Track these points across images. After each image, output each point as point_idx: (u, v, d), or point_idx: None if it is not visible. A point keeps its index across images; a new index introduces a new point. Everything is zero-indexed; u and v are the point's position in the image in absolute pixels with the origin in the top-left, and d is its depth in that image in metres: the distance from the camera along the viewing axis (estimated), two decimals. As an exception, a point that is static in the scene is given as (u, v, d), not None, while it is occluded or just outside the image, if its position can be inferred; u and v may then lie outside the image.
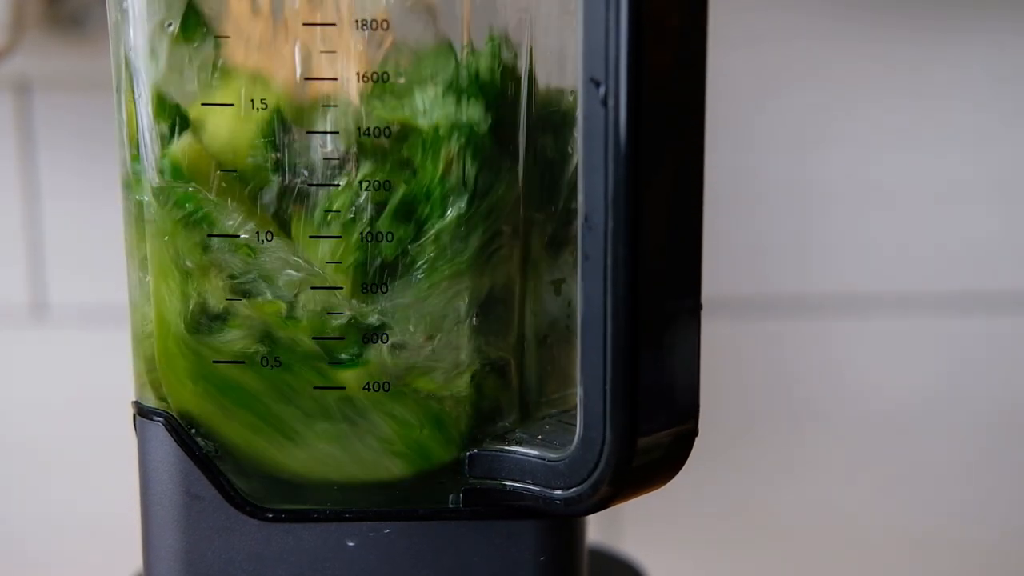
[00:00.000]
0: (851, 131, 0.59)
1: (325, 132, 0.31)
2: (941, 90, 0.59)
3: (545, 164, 0.33)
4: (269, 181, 0.31)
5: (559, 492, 0.31)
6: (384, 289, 0.32)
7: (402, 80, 0.31)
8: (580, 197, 0.29)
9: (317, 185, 0.31)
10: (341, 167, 0.31)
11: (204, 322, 0.32)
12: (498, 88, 0.31)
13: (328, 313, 0.32)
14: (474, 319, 0.32)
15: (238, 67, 0.31)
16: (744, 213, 0.59)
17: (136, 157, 0.32)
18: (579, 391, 0.30)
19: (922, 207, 0.59)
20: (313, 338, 0.32)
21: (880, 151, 0.59)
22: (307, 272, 0.31)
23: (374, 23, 0.31)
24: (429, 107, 0.31)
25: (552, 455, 0.31)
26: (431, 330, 0.32)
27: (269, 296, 0.32)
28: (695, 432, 0.31)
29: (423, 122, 0.31)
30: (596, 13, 0.27)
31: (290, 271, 0.32)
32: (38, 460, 0.61)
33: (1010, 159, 0.59)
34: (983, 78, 0.58)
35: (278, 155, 0.31)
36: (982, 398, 0.61)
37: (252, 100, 0.31)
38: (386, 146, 0.31)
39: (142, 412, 0.33)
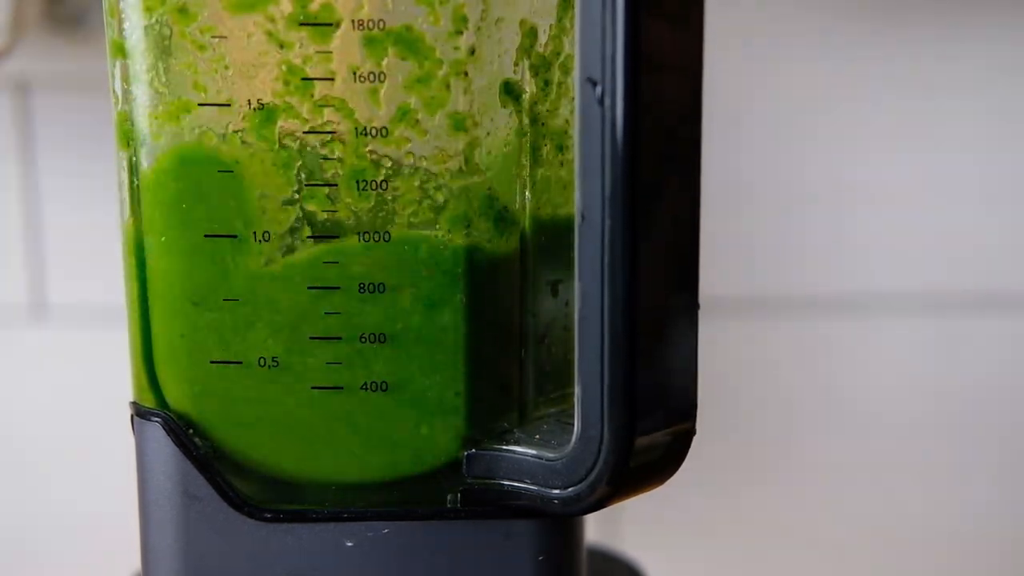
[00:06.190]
0: (838, 129, 0.58)
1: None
2: (933, 87, 0.58)
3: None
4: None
5: (557, 491, 0.31)
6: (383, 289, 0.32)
7: None
8: (577, 195, 0.28)
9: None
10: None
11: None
12: None
13: (328, 312, 0.32)
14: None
15: None
16: (730, 212, 0.59)
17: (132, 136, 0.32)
18: (576, 390, 0.29)
19: (911, 206, 0.59)
20: (311, 337, 0.32)
21: (867, 149, 0.59)
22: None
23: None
24: None
25: (550, 454, 0.31)
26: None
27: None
28: (693, 431, 0.31)
29: None
30: (593, 13, 0.27)
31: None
32: (36, 460, 0.61)
33: (1004, 157, 0.59)
34: (976, 73, 0.58)
35: None
36: (977, 399, 0.61)
37: None
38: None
39: (140, 413, 0.33)
